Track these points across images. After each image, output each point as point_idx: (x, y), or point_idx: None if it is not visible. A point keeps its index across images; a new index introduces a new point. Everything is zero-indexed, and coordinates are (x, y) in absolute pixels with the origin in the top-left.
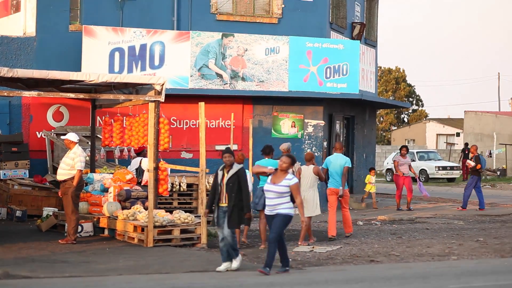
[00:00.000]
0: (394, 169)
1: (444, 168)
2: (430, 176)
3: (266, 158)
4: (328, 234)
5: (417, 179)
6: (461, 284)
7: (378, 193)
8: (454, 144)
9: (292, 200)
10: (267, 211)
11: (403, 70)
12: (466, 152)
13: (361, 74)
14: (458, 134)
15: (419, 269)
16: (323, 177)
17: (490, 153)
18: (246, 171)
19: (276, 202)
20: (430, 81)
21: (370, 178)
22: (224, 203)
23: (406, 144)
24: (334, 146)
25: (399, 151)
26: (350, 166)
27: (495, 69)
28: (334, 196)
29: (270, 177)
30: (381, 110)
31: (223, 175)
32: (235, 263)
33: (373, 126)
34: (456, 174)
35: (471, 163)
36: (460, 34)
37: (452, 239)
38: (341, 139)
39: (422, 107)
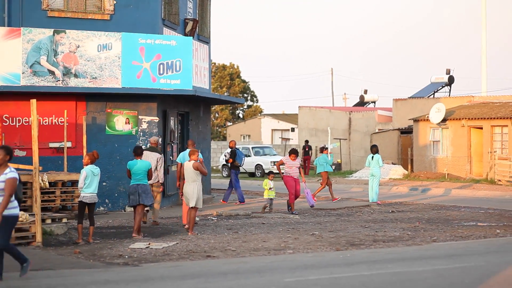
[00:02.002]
0: (277, 168)
1: None
2: (266, 171)
3: (137, 159)
4: (183, 222)
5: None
6: (296, 278)
7: (214, 188)
8: (289, 139)
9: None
10: None
11: (238, 66)
12: (307, 149)
13: (195, 70)
14: (293, 129)
15: (255, 263)
16: (205, 171)
17: (325, 147)
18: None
19: None
20: (264, 77)
21: (268, 183)
22: None
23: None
24: (187, 143)
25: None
26: (201, 157)
27: (328, 65)
28: None
29: None
30: (216, 106)
31: None
32: None
33: (207, 122)
34: None
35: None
36: (294, 30)
37: (288, 233)
38: (176, 135)
39: (257, 102)
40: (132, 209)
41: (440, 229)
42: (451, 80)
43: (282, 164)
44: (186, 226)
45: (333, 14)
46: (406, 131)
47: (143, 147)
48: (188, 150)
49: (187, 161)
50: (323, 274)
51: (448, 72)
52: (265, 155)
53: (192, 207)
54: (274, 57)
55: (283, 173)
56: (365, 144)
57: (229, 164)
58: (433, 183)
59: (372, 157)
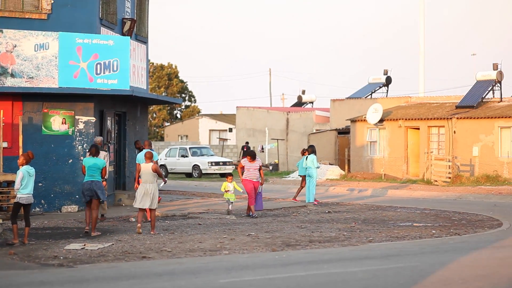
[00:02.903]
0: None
1: (217, 163)
2: (203, 172)
3: (92, 157)
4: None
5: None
6: (231, 278)
7: (162, 190)
8: (226, 139)
9: None
10: None
11: (176, 66)
12: (245, 149)
13: (132, 70)
14: (230, 130)
15: (190, 264)
16: (162, 174)
17: (262, 148)
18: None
19: None
20: (202, 77)
21: (227, 186)
22: None
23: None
24: (144, 143)
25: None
26: (157, 159)
27: (266, 65)
28: None
29: None
30: (154, 106)
31: None
32: None
33: (145, 122)
34: (229, 169)
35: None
36: (232, 30)
37: (224, 234)
38: (113, 135)
39: (195, 103)
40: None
41: (376, 229)
42: (388, 80)
43: (242, 167)
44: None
45: (271, 14)
46: (344, 132)
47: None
48: (145, 150)
49: (144, 163)
50: (258, 275)
51: (385, 72)
52: (203, 155)
53: (151, 209)
54: (212, 57)
55: (244, 177)
56: (303, 145)
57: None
58: (370, 183)
59: (307, 157)
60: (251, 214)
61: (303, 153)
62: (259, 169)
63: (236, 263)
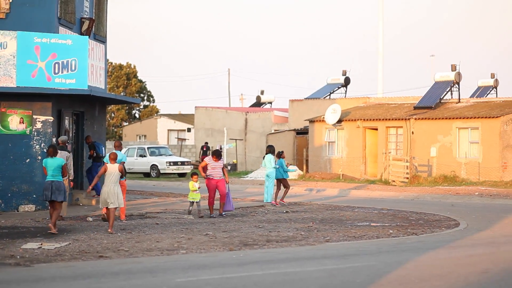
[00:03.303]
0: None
1: (175, 163)
2: (162, 172)
3: (51, 157)
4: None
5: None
6: (188, 278)
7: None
8: (185, 139)
9: None
10: None
11: (134, 66)
12: (204, 149)
13: (90, 70)
14: (189, 130)
15: (147, 263)
16: (124, 173)
17: (221, 148)
18: None
19: None
20: (161, 77)
21: (193, 185)
22: None
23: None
24: (114, 144)
25: (211, 154)
26: (126, 161)
27: (225, 65)
28: None
29: None
30: (112, 105)
31: None
32: None
33: (103, 122)
34: (187, 169)
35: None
36: (191, 29)
37: (182, 233)
38: (71, 135)
39: (153, 103)
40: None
41: (333, 229)
42: (347, 81)
43: (205, 166)
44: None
45: (231, 14)
46: (302, 132)
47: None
48: (114, 151)
49: (109, 163)
50: (215, 274)
51: (344, 73)
52: (161, 155)
53: (111, 208)
54: (171, 57)
55: (207, 175)
56: (261, 145)
57: (92, 158)
58: (328, 183)
59: (264, 157)
60: (212, 214)
61: (278, 156)
62: (223, 168)
63: (193, 263)
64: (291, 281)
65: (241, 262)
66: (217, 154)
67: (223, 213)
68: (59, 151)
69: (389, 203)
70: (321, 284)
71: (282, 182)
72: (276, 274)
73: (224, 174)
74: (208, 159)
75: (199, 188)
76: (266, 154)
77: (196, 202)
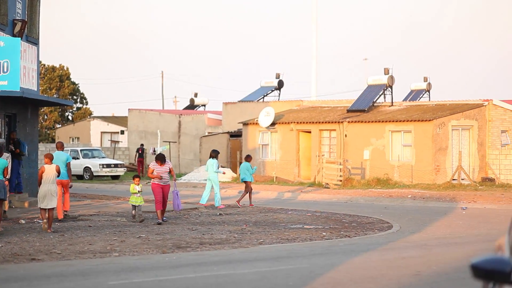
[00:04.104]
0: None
1: (108, 165)
2: (95, 174)
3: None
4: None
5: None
6: (120, 281)
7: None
8: (118, 141)
9: None
10: None
11: (67, 68)
12: (140, 151)
13: (23, 72)
14: (122, 132)
15: (80, 266)
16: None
17: (154, 150)
18: None
19: None
20: (94, 79)
21: (133, 188)
22: None
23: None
24: (56, 145)
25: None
26: (71, 160)
27: (159, 68)
28: (61, 186)
29: None
30: (45, 108)
31: None
32: None
33: (35, 124)
34: (121, 171)
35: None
36: (124, 32)
37: (115, 235)
38: (3, 136)
39: (86, 105)
40: None
41: (266, 231)
42: (280, 84)
43: (152, 172)
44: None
45: (164, 16)
46: (236, 135)
47: None
48: (57, 152)
49: (47, 164)
50: (148, 277)
51: (278, 76)
52: (94, 157)
53: (50, 208)
54: (105, 59)
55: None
56: (195, 147)
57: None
58: (262, 186)
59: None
60: (158, 221)
61: (246, 159)
62: (169, 172)
63: (126, 265)
64: (224, 283)
65: (174, 264)
66: (161, 159)
67: (164, 219)
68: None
69: (323, 205)
70: (254, 286)
71: (245, 184)
72: (208, 276)
73: (172, 176)
74: (153, 165)
75: (140, 191)
76: (210, 158)
77: (137, 206)
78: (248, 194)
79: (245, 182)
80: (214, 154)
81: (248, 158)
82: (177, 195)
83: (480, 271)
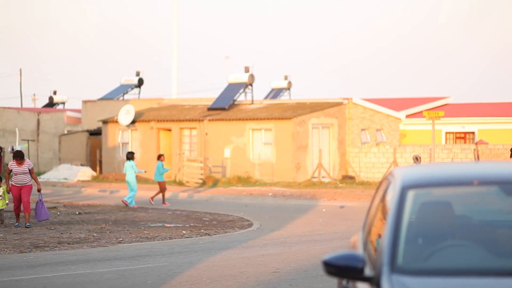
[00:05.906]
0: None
1: None
2: None
3: None
4: None
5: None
6: None
7: None
8: None
9: None
10: None
11: None
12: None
13: None
14: None
15: None
16: None
17: (13, 149)
18: None
19: None
20: None
21: None
22: None
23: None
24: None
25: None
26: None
27: (17, 65)
28: None
29: None
30: None
31: None
32: None
33: None
34: None
35: None
36: None
37: None
38: None
39: None
40: None
41: (126, 230)
42: (141, 82)
43: (10, 172)
44: None
45: (20, 12)
46: (96, 133)
47: None
48: None
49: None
50: (4, 277)
51: (138, 74)
52: None
53: None
54: None
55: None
56: (54, 146)
57: None
58: (121, 184)
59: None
60: (27, 223)
61: (158, 158)
62: (30, 173)
63: None
64: (82, 282)
65: (31, 264)
66: (20, 156)
67: (27, 224)
68: None
69: (184, 204)
70: (111, 285)
71: (159, 184)
72: (66, 276)
73: (34, 179)
74: (11, 164)
75: (1, 195)
76: (127, 160)
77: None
78: (162, 193)
79: (158, 182)
80: (131, 155)
81: (161, 157)
82: (42, 203)
83: (332, 267)
